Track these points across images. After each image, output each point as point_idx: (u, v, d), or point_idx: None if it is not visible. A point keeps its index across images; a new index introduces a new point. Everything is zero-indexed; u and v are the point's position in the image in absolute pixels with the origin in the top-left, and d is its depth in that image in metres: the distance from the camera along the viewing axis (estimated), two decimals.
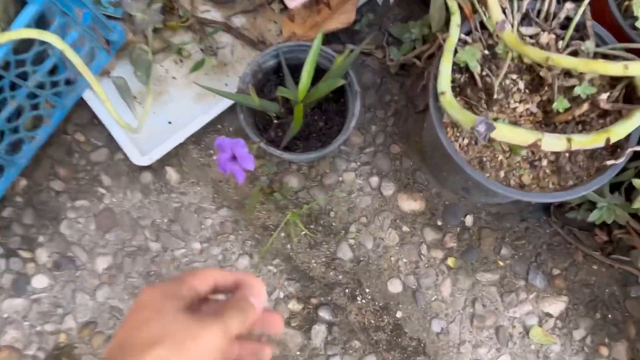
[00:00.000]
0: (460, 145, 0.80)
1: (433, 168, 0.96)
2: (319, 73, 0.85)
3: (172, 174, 0.99)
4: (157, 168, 0.99)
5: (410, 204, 0.98)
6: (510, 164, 0.80)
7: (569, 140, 0.72)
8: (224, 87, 1.00)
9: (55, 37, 0.79)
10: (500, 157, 0.80)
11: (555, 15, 0.81)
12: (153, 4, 0.97)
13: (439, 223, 0.98)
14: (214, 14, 1.03)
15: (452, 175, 0.88)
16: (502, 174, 0.80)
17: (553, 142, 0.72)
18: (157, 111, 0.99)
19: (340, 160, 0.99)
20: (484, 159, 0.80)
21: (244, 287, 0.47)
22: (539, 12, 0.81)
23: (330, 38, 1.02)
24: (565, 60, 0.66)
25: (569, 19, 0.81)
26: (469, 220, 0.98)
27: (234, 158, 0.67)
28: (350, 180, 0.99)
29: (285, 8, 1.03)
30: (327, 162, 1.00)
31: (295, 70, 0.88)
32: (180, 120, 0.98)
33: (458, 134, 0.80)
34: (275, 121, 0.87)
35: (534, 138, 0.71)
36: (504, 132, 0.70)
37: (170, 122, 0.99)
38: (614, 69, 0.65)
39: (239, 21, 1.03)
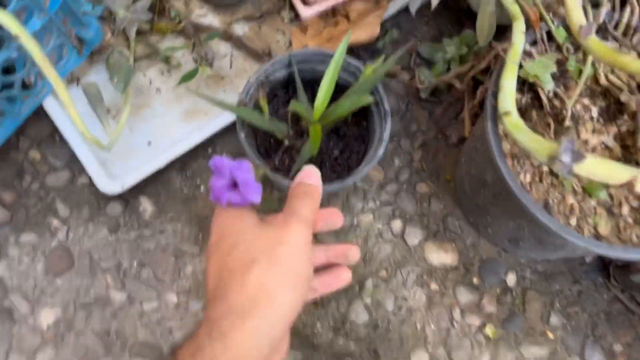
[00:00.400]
0: (521, 182, 0.63)
1: (471, 212, 0.79)
2: (337, 91, 0.68)
3: (147, 206, 0.80)
4: (129, 198, 0.80)
5: (440, 256, 0.80)
6: (583, 209, 0.63)
7: None
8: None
9: (9, 16, 0.61)
10: (571, 200, 0.63)
11: (636, 30, 0.66)
12: (140, 0, 0.81)
13: (475, 281, 0.79)
14: (212, 19, 0.86)
15: (503, 221, 0.71)
16: (573, 221, 0.63)
17: None
18: (134, 128, 0.81)
19: (356, 198, 0.82)
20: (551, 201, 0.63)
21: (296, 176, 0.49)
22: (616, 25, 0.67)
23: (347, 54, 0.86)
24: None
25: None
26: (511, 279, 0.80)
27: (233, 185, 0.48)
28: (368, 224, 0.81)
29: (296, 17, 0.87)
30: (340, 201, 0.82)
31: (310, 85, 0.71)
32: (163, 140, 0.80)
33: (519, 168, 0.64)
34: (286, 142, 0.68)
35: (628, 175, 0.54)
36: (594, 166, 0.53)
37: (150, 143, 0.80)
38: None
39: (241, 29, 0.87)
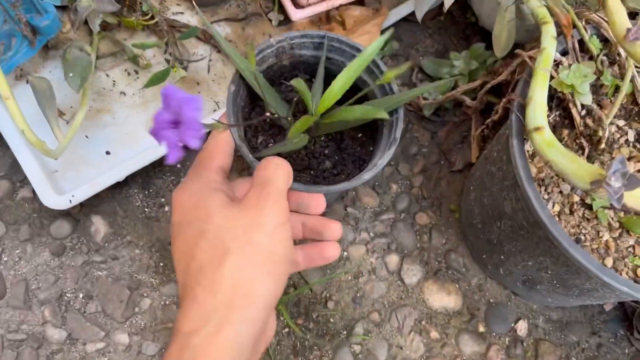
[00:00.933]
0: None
1: (480, 249, 0.68)
2: (351, 90, 0.53)
3: (100, 226, 0.67)
4: (79, 216, 0.68)
5: (442, 299, 0.69)
6: (620, 248, 0.53)
7: None
8: None
9: None
10: (607, 236, 0.53)
11: None
12: None
13: (481, 329, 0.68)
14: (190, 18, 0.76)
15: (519, 259, 0.60)
16: (609, 261, 0.53)
17: None
18: (92, 135, 0.69)
19: (346, 227, 0.71)
20: (582, 237, 0.53)
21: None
22: None
23: None
24: None
25: None
26: (522, 327, 0.69)
27: (176, 123, 0.37)
28: (359, 257, 0.70)
29: (285, 20, 0.78)
30: None
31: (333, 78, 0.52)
32: (124, 151, 0.68)
33: (546, 197, 0.54)
34: (281, 123, 0.51)
35: None
36: None
37: (108, 152, 0.68)
38: None
39: (222, 30, 0.77)
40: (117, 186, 0.68)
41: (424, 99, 0.74)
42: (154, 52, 0.74)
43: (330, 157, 0.55)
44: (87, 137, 0.69)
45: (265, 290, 0.35)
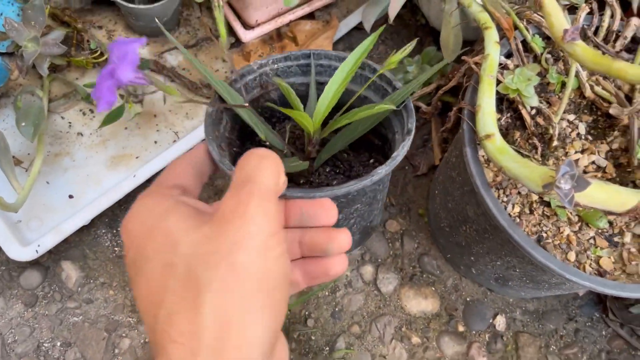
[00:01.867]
0: (509, 215, 0.54)
1: (451, 251, 0.69)
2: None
3: (71, 271, 0.67)
4: (48, 264, 0.67)
5: (420, 303, 0.70)
6: (581, 241, 0.55)
7: None
8: (153, 145, 0.71)
9: None
10: (567, 231, 0.54)
11: (618, 34, 0.59)
12: (52, 31, 0.69)
13: (461, 329, 0.69)
14: (140, 50, 0.76)
15: (488, 259, 0.61)
16: (572, 256, 0.54)
17: None
18: (52, 180, 0.68)
19: None
20: (544, 234, 0.54)
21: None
22: (596, 30, 0.59)
23: None
24: None
25: (636, 41, 0.59)
26: (500, 322, 0.70)
27: (112, 72, 0.33)
28: None
29: (237, 42, 0.78)
30: None
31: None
32: (87, 192, 0.68)
33: (505, 199, 0.55)
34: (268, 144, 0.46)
35: (636, 200, 0.46)
36: (597, 192, 0.45)
37: (71, 196, 0.68)
38: None
39: (174, 59, 0.76)
40: (84, 228, 0.68)
41: None
42: None
43: (334, 176, 0.50)
44: (47, 182, 0.68)
45: (262, 332, 0.26)
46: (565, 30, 0.48)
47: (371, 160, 0.50)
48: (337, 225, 0.36)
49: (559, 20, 0.50)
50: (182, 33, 0.77)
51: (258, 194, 0.28)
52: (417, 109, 0.70)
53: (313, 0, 0.78)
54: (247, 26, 0.76)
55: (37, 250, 0.62)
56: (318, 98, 0.44)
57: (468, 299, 0.71)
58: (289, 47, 0.77)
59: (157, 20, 0.50)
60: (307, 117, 0.41)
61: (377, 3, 0.67)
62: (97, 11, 0.76)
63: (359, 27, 0.81)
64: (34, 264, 0.67)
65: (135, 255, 0.29)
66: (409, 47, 0.43)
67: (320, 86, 0.47)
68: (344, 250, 0.35)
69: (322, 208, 0.35)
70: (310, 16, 0.80)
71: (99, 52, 0.72)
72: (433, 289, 0.71)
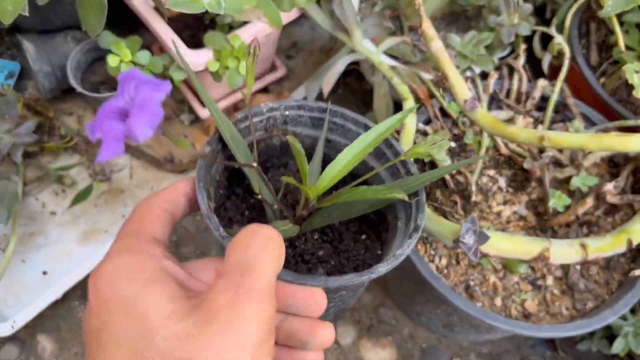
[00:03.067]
0: (437, 267, 0.59)
1: (402, 301, 0.73)
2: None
3: (46, 344, 0.71)
4: (24, 337, 0.71)
5: (378, 354, 0.74)
6: (506, 286, 0.59)
7: (583, 246, 0.53)
8: (121, 219, 0.77)
9: None
10: (493, 278, 0.59)
11: (528, 95, 0.66)
12: (25, 122, 0.76)
13: None
14: None
15: (430, 308, 0.66)
16: (498, 301, 0.58)
17: (564, 252, 0.52)
18: (28, 259, 0.74)
19: None
20: (471, 282, 0.59)
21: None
22: (508, 93, 0.66)
23: None
24: (567, 139, 0.48)
25: (545, 99, 0.66)
26: None
27: (127, 114, 0.27)
28: None
29: (197, 119, 0.84)
30: None
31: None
32: (60, 268, 0.73)
33: (433, 252, 0.60)
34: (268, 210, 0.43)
35: (539, 248, 0.51)
36: (500, 243, 0.50)
37: (45, 272, 0.73)
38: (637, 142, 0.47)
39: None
40: (59, 302, 0.72)
41: None
42: (78, 169, 0.79)
43: (324, 262, 0.44)
44: (23, 261, 0.73)
45: None
46: (466, 100, 0.55)
47: (363, 236, 0.46)
48: None
49: (461, 91, 0.56)
50: None
51: (257, 293, 0.24)
52: None
53: (264, 76, 0.85)
54: (204, 104, 0.83)
55: (12, 327, 0.67)
56: (324, 157, 0.44)
57: (424, 346, 0.75)
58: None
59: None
60: (313, 188, 0.37)
61: (318, 78, 0.74)
62: (68, 99, 0.84)
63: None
64: (12, 338, 0.71)
65: (100, 328, 0.25)
66: (445, 139, 0.42)
67: (329, 144, 0.46)
68: (325, 346, 0.31)
69: (312, 298, 0.31)
70: (264, 90, 0.87)
71: (69, 138, 0.78)
72: (390, 338, 0.75)
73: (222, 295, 0.24)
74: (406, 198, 0.36)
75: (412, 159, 0.43)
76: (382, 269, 0.37)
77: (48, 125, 0.80)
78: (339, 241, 0.45)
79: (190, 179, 0.37)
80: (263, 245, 0.26)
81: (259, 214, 0.45)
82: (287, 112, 0.45)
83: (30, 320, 0.68)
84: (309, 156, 0.41)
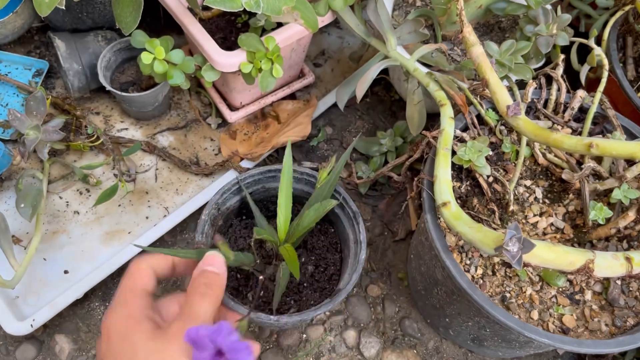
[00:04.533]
0: (473, 277, 0.57)
1: (429, 313, 0.72)
2: (296, 203, 0.63)
3: (64, 344, 0.70)
4: (43, 337, 0.70)
5: None
6: (543, 299, 0.57)
7: (628, 259, 0.51)
8: (144, 221, 0.75)
9: None
10: (530, 290, 0.57)
11: (566, 106, 0.64)
12: (53, 119, 0.76)
13: None
14: (134, 133, 0.82)
15: (460, 321, 0.64)
16: (535, 314, 0.57)
17: (609, 264, 0.50)
18: (50, 257, 0.72)
19: None
20: (508, 294, 0.57)
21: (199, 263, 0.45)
22: (545, 102, 0.65)
23: (280, 155, 0.83)
24: (616, 146, 0.47)
25: (583, 110, 0.64)
26: None
27: (219, 354, 0.40)
28: (318, 338, 0.72)
29: (224, 123, 0.84)
30: None
31: (264, 204, 0.70)
32: (81, 268, 0.72)
33: (468, 262, 0.58)
34: (259, 276, 0.56)
35: (583, 259, 0.49)
36: (544, 252, 0.48)
37: (66, 272, 0.72)
38: None
39: (165, 140, 0.82)
40: (78, 302, 0.71)
41: (359, 178, 0.79)
42: (103, 169, 0.79)
43: (309, 262, 0.67)
44: (45, 259, 0.72)
45: None
46: (508, 106, 0.54)
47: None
48: None
49: (502, 97, 0.55)
50: (173, 115, 0.84)
51: (196, 320, 0.40)
52: (389, 178, 0.75)
53: (292, 83, 0.84)
54: (232, 108, 0.82)
55: (31, 325, 0.65)
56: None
57: None
58: (272, 125, 0.83)
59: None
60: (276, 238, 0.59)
61: (349, 84, 0.73)
62: (95, 99, 0.83)
63: (337, 105, 0.87)
64: (30, 337, 0.70)
65: (107, 349, 0.39)
66: (332, 164, 0.60)
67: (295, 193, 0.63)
68: None
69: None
70: (291, 96, 0.86)
71: (95, 137, 0.78)
72: (415, 351, 0.73)
73: (170, 330, 0.39)
74: (337, 201, 0.57)
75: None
76: (328, 306, 0.56)
77: (75, 124, 0.79)
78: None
79: (184, 261, 0.48)
80: (204, 289, 0.42)
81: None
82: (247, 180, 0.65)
83: (50, 320, 0.67)
84: (271, 198, 0.68)
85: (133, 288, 0.43)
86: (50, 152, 0.77)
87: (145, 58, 0.66)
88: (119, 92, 0.75)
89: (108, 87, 0.75)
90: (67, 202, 0.76)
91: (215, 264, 0.45)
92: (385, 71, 0.82)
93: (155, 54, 0.67)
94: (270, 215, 0.68)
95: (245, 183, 0.64)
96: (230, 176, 0.78)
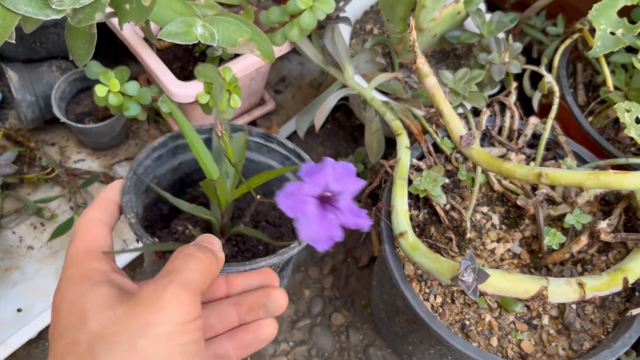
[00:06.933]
0: (432, 305, 0.58)
1: (392, 340, 0.71)
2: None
3: None
4: None
5: None
6: (502, 326, 0.58)
7: (580, 285, 0.52)
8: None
9: None
10: (488, 317, 0.58)
11: (520, 132, 0.66)
12: (5, 152, 0.74)
13: None
14: (91, 164, 0.80)
15: (423, 349, 0.64)
16: (494, 341, 0.57)
17: (562, 291, 0.51)
18: (2, 295, 0.70)
19: None
20: (467, 322, 0.58)
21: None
22: (500, 129, 0.66)
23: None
24: (565, 176, 0.48)
25: (536, 137, 0.66)
26: None
27: (324, 200, 0.36)
28: None
29: None
30: None
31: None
32: (35, 305, 0.69)
33: (427, 290, 0.58)
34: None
35: (537, 286, 0.50)
36: (498, 282, 0.49)
37: (20, 310, 0.69)
38: (635, 180, 0.47)
39: (123, 170, 0.81)
40: (33, 341, 0.69)
41: None
42: (59, 202, 0.77)
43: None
44: None
45: None
46: (461, 137, 0.54)
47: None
48: None
49: (456, 127, 0.56)
50: (131, 145, 0.82)
51: (176, 284, 0.29)
52: None
53: (253, 110, 0.84)
54: None
55: None
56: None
57: None
58: None
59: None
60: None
61: (308, 113, 0.73)
62: (50, 129, 0.82)
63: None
64: None
65: (53, 330, 0.30)
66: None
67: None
68: (283, 306, 0.38)
69: (265, 275, 0.39)
70: (252, 124, 0.86)
71: (50, 169, 0.76)
72: None
73: (148, 286, 0.29)
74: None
75: None
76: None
77: (28, 156, 0.78)
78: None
79: (114, 186, 0.43)
80: (183, 260, 0.32)
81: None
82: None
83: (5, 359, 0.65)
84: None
85: (87, 249, 0.34)
86: (3, 185, 0.75)
87: (99, 91, 0.65)
88: (74, 124, 0.73)
89: (63, 119, 0.73)
90: (21, 237, 0.74)
91: (212, 244, 0.36)
92: (346, 97, 0.82)
93: (109, 87, 0.66)
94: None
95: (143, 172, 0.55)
96: None
